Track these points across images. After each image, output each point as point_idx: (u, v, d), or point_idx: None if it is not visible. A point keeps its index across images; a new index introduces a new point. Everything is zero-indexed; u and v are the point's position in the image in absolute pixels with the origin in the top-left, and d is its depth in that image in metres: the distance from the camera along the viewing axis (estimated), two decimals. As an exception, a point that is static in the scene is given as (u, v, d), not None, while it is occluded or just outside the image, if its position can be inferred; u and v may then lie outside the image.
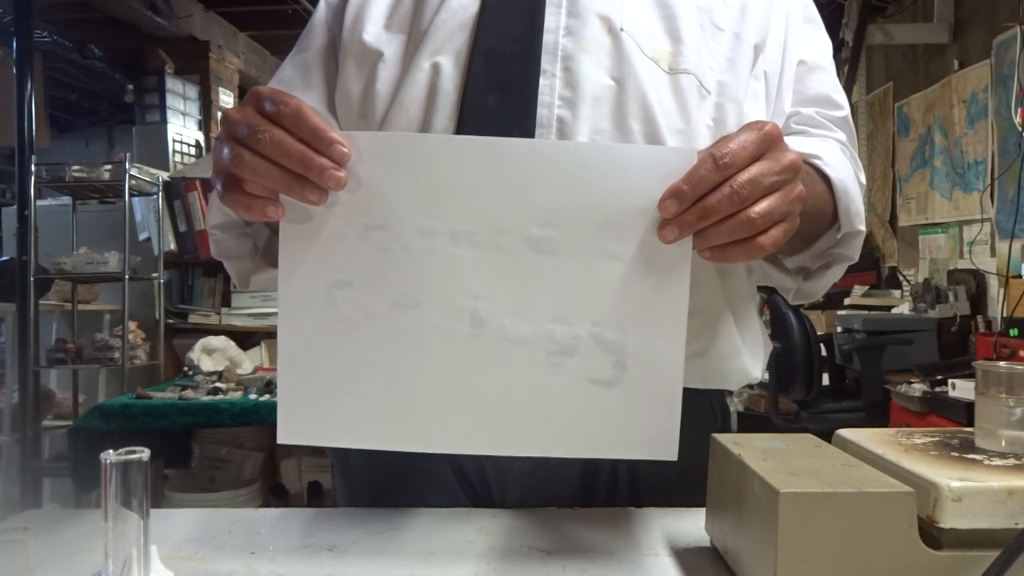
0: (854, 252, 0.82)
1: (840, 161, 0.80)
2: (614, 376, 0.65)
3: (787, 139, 0.66)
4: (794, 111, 0.86)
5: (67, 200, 3.75)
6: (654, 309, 0.64)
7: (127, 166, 3.40)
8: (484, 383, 0.65)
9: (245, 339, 3.53)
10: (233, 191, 0.63)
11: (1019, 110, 3.30)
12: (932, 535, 0.53)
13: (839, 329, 3.88)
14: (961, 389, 2.85)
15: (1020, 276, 3.33)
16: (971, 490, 0.52)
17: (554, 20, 0.77)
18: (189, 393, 2.86)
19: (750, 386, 0.92)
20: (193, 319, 3.69)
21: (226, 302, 3.73)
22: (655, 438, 0.65)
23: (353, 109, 0.81)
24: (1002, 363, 0.62)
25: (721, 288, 0.81)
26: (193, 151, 5.59)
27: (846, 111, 0.88)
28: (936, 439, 0.64)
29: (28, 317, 3.34)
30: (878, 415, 3.40)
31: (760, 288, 0.91)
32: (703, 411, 0.86)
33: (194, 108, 5.74)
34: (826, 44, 0.90)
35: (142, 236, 3.78)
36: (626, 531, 0.73)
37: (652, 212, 0.62)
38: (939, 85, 4.16)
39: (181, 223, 3.62)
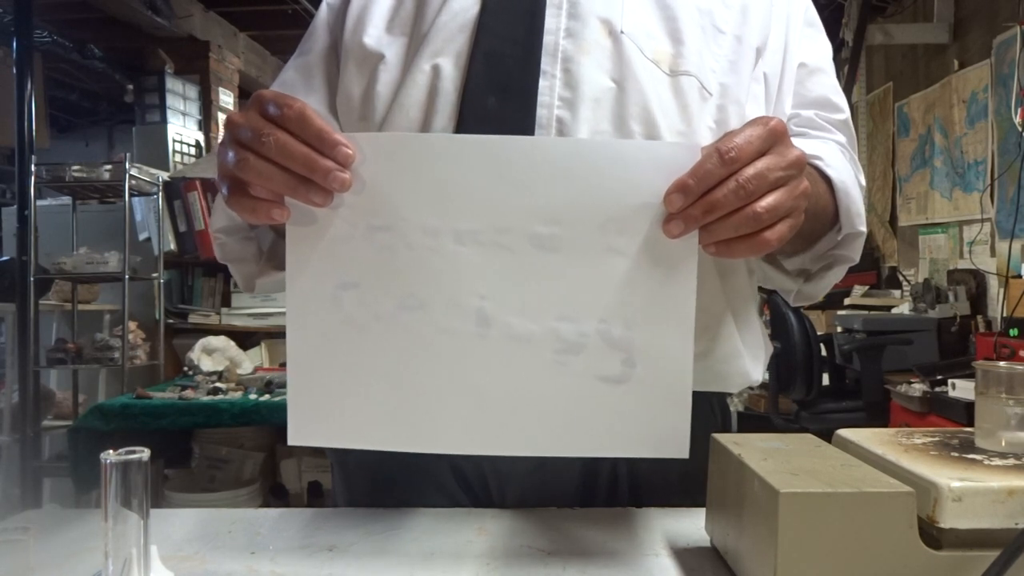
0: (855, 253, 0.82)
1: (840, 162, 0.80)
2: (623, 373, 0.65)
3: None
4: (794, 113, 0.86)
5: (67, 200, 3.75)
6: (661, 305, 0.64)
7: (127, 166, 3.40)
8: (491, 383, 0.65)
9: (245, 339, 3.53)
10: (238, 195, 0.63)
11: (1019, 110, 3.30)
12: (932, 535, 0.53)
13: (839, 329, 3.88)
14: (961, 389, 2.85)
15: (1020, 276, 3.33)
16: (971, 490, 0.52)
17: (554, 22, 0.77)
18: (189, 393, 2.86)
19: (750, 386, 0.92)
20: (193, 319, 3.69)
21: (226, 302, 3.73)
22: (665, 435, 0.65)
23: (354, 111, 0.82)
24: (1002, 363, 0.62)
25: (722, 290, 0.81)
26: (193, 151, 5.59)
27: (846, 114, 0.88)
28: (936, 439, 0.64)
29: (28, 317, 3.34)
30: (878, 415, 3.40)
31: (760, 288, 0.91)
32: (704, 412, 0.86)
33: (194, 108, 5.74)
34: (826, 47, 0.91)
35: (142, 236, 3.78)
36: (626, 531, 0.73)
37: (656, 207, 0.62)
38: (939, 85, 4.16)
39: (181, 223, 3.62)
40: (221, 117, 5.81)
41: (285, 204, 0.63)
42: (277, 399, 2.75)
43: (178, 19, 5.35)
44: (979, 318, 3.63)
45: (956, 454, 0.60)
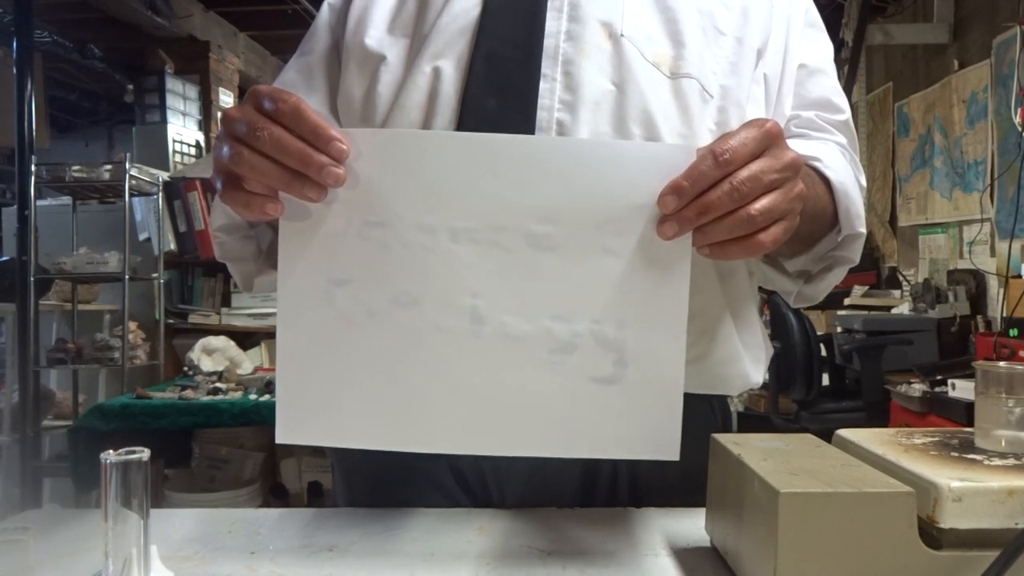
0: (855, 254, 0.82)
1: (840, 163, 0.80)
2: (614, 374, 0.65)
3: (787, 142, 0.66)
4: (794, 114, 0.86)
5: (67, 200, 3.75)
6: (654, 306, 0.64)
7: (127, 166, 3.40)
8: (484, 381, 0.65)
9: (245, 339, 3.53)
10: (233, 189, 0.63)
11: (1019, 110, 3.30)
12: (932, 535, 0.53)
13: (839, 329, 3.88)
14: (961, 389, 2.85)
15: (1020, 276, 3.33)
16: (971, 490, 0.52)
17: (555, 25, 0.77)
18: (189, 393, 2.86)
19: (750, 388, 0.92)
20: (193, 319, 3.69)
21: (226, 302, 3.73)
22: (656, 437, 0.65)
23: (355, 112, 0.82)
24: (1002, 363, 0.62)
25: (721, 292, 0.81)
26: (193, 151, 5.59)
27: (847, 115, 0.88)
28: (936, 439, 0.64)
29: (28, 317, 3.34)
30: (878, 415, 3.40)
31: (760, 289, 0.91)
32: (704, 412, 0.86)
33: (194, 108, 5.74)
34: (827, 48, 0.90)
35: (142, 236, 3.78)
36: (626, 531, 0.73)
37: (651, 208, 0.62)
38: (939, 85, 4.16)
39: (181, 223, 3.62)
40: (219, 117, 5.81)
41: (279, 199, 0.63)
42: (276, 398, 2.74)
43: (178, 19, 5.35)
44: (979, 318, 3.63)
45: (956, 454, 0.60)
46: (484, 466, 0.83)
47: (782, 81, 0.84)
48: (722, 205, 0.60)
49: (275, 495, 3.14)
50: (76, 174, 3.45)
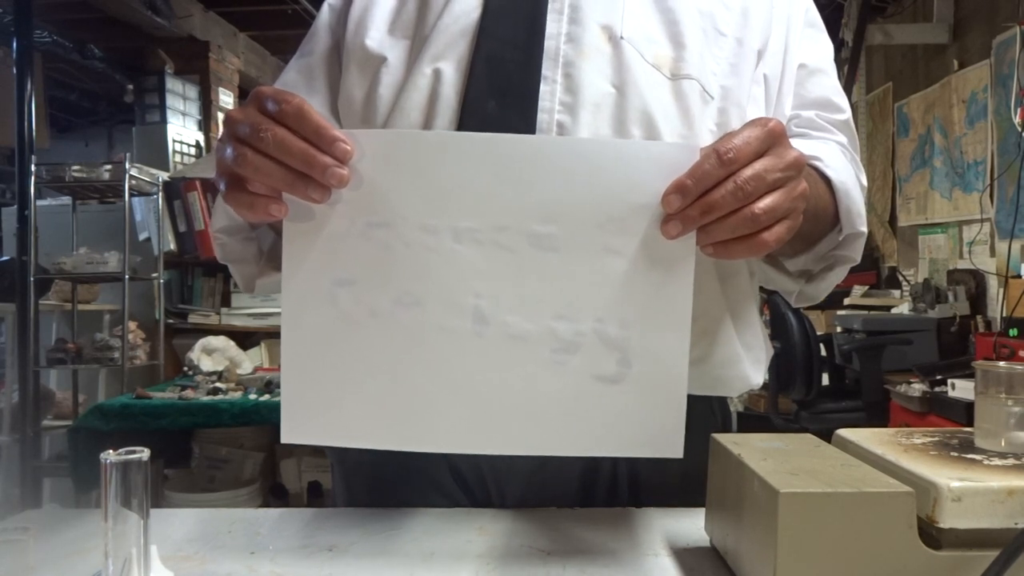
0: (856, 254, 0.82)
1: (840, 163, 0.80)
2: (618, 373, 0.65)
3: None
4: (794, 114, 0.86)
5: (67, 200, 3.75)
6: (658, 305, 0.64)
7: (127, 166, 3.40)
8: (487, 381, 0.65)
9: (245, 339, 3.54)
10: (236, 190, 0.63)
11: (1019, 110, 3.30)
12: (932, 535, 0.53)
13: (839, 329, 3.88)
14: (961, 389, 2.85)
15: (1020, 276, 3.33)
16: (971, 490, 0.52)
17: (555, 27, 0.78)
18: (189, 393, 2.86)
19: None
20: (193, 319, 3.69)
21: (226, 302, 3.73)
22: (660, 435, 0.65)
23: (355, 113, 0.82)
24: (1002, 363, 0.62)
25: (721, 293, 0.81)
26: (193, 151, 5.59)
27: (847, 114, 0.88)
28: (936, 439, 0.64)
29: (28, 317, 3.34)
30: (878, 415, 3.40)
31: (761, 288, 0.91)
32: (704, 412, 0.86)
33: (194, 108, 5.74)
34: (827, 47, 0.90)
35: (142, 236, 3.78)
36: (626, 531, 0.73)
37: (655, 208, 0.62)
38: (939, 85, 4.16)
39: (181, 223, 3.62)
40: (221, 117, 5.80)
41: (283, 200, 0.63)
42: (277, 399, 2.74)
43: (178, 19, 5.35)
44: (979, 318, 3.63)
45: (956, 454, 0.60)
46: (484, 466, 0.83)
47: (782, 81, 0.84)
48: (726, 204, 0.60)
49: (275, 495, 3.14)
50: (76, 174, 3.45)
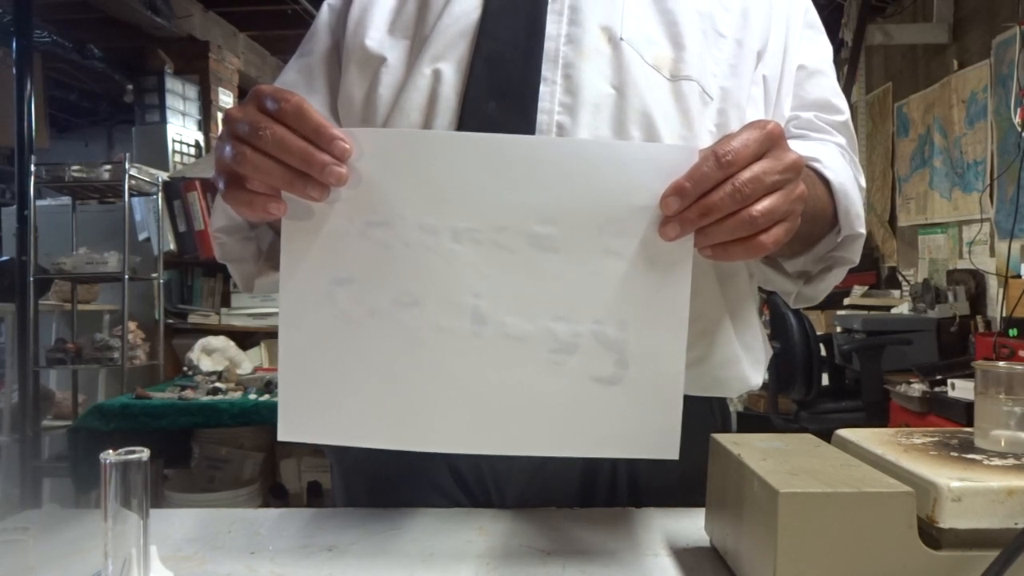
0: (854, 255, 0.82)
1: (839, 164, 0.80)
2: (615, 374, 0.65)
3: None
4: (793, 115, 0.86)
5: (67, 200, 3.75)
6: (655, 307, 0.64)
7: (127, 166, 3.40)
8: (485, 381, 0.65)
9: (245, 339, 3.54)
10: (235, 189, 0.63)
11: (1018, 110, 3.30)
12: (932, 535, 0.53)
13: (839, 329, 3.88)
14: (961, 389, 2.85)
15: (1019, 276, 3.33)
16: (971, 490, 0.52)
17: (555, 28, 0.78)
18: (189, 393, 2.86)
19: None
20: (193, 319, 3.69)
21: (226, 302, 3.73)
22: (656, 437, 0.65)
23: (355, 114, 0.82)
24: (1002, 363, 0.62)
25: (720, 295, 0.81)
26: (193, 151, 5.59)
27: (846, 115, 0.88)
28: (936, 439, 0.64)
29: (28, 317, 3.34)
30: (878, 415, 3.40)
31: (760, 289, 0.91)
32: (703, 412, 0.86)
33: (194, 108, 5.74)
34: (826, 49, 0.90)
35: (142, 236, 3.78)
36: (626, 531, 0.73)
37: (653, 209, 0.62)
38: (938, 85, 4.16)
39: (181, 223, 3.62)
40: (221, 117, 5.81)
41: (282, 199, 0.63)
42: (276, 399, 2.75)
43: (178, 19, 5.35)
44: (978, 318, 3.63)
45: (956, 454, 0.60)
46: (483, 466, 0.83)
47: (781, 82, 0.84)
48: (724, 206, 0.60)
49: (275, 495, 3.15)
50: (76, 174, 3.45)
